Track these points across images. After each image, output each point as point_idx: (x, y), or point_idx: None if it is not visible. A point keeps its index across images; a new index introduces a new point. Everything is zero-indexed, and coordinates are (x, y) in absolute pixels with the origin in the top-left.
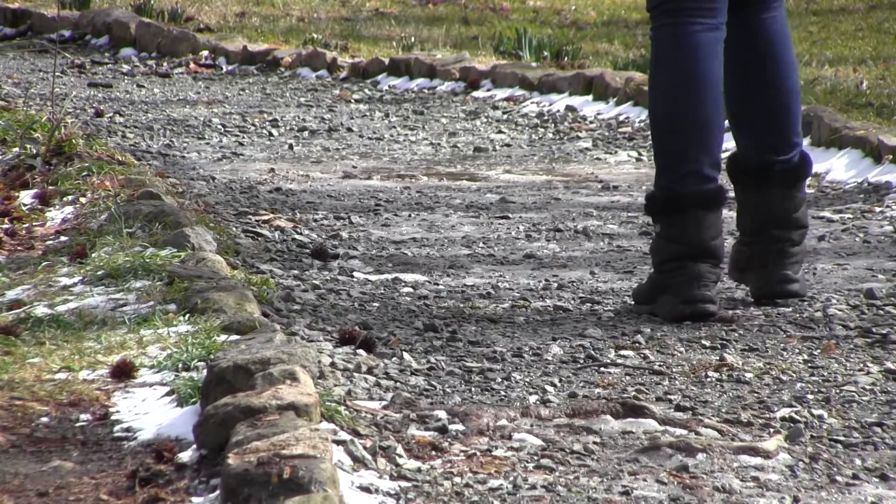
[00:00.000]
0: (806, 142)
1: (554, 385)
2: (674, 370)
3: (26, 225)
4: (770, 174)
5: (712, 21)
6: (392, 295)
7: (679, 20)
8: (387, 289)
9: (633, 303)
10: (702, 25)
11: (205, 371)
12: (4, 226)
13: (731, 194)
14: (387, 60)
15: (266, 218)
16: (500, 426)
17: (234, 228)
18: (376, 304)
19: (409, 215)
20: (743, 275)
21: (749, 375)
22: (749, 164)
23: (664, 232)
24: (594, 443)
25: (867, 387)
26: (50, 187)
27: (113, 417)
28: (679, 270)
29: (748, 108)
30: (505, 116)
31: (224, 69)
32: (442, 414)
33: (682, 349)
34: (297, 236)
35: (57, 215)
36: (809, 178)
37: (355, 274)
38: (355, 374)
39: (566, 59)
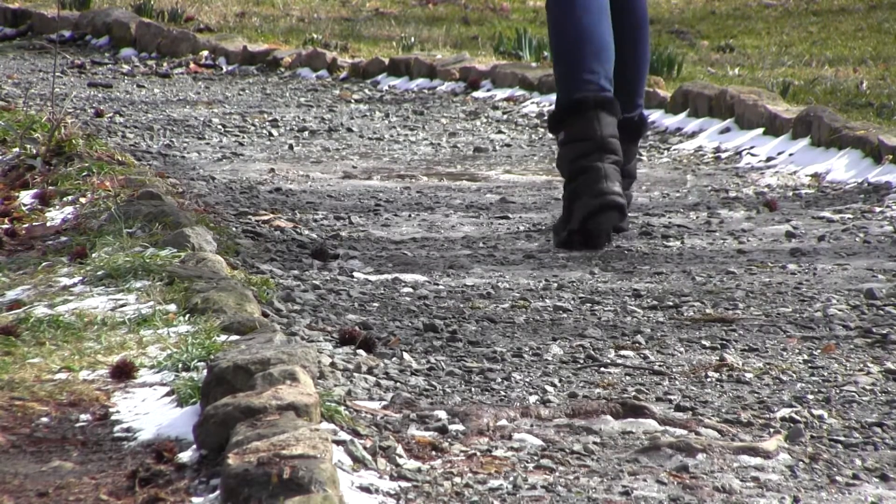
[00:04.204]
0: (806, 142)
1: (554, 385)
2: (674, 370)
3: (26, 225)
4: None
5: None
6: (392, 295)
7: None
8: (387, 289)
9: (553, 241)
10: None
11: (205, 371)
12: (4, 226)
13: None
14: (387, 60)
15: (266, 218)
16: (500, 426)
17: (234, 228)
18: (376, 304)
19: (409, 215)
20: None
21: (749, 375)
22: None
23: (568, 136)
24: (594, 443)
25: (867, 387)
26: (50, 187)
27: (113, 417)
28: (587, 171)
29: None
30: (505, 116)
31: (224, 69)
32: (442, 414)
33: (682, 349)
34: (297, 236)
35: (57, 215)
36: (808, 178)
37: (355, 274)
38: (355, 375)
39: None
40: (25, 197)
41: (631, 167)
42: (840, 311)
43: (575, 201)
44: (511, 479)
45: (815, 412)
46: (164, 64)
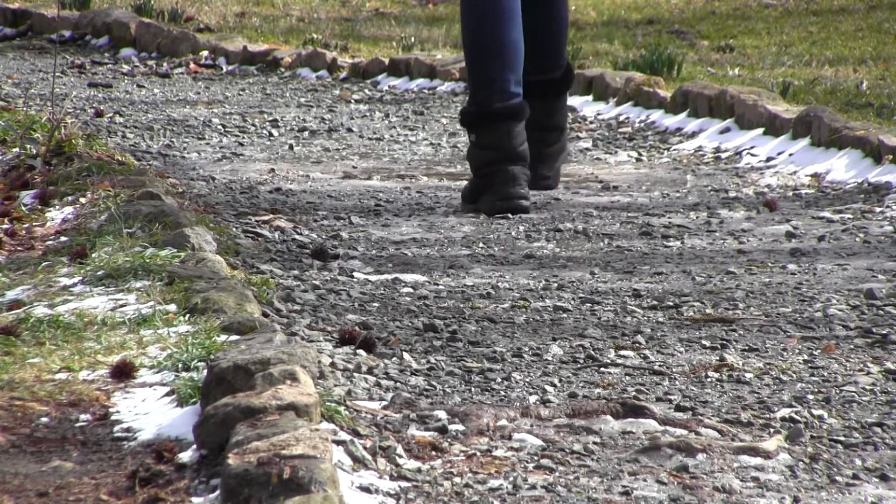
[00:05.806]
0: (806, 142)
1: (554, 385)
2: (674, 370)
3: (26, 225)
4: (537, 89)
5: None
6: (392, 295)
7: None
8: (387, 289)
9: (461, 202)
10: None
11: (205, 371)
12: (4, 226)
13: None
14: (387, 61)
15: (266, 218)
16: (500, 426)
17: (234, 229)
18: (376, 304)
19: (410, 215)
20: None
21: (749, 375)
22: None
23: (479, 142)
24: (594, 443)
25: (867, 387)
26: (50, 187)
27: (113, 417)
28: (495, 174)
29: (529, 38)
30: None
31: (224, 69)
32: (442, 414)
33: (682, 349)
34: (297, 236)
35: (57, 215)
36: (808, 178)
37: (355, 274)
38: (355, 375)
39: None
40: (25, 197)
41: (559, 118)
42: (840, 311)
43: (484, 194)
44: (511, 479)
45: (815, 412)
46: (164, 64)
